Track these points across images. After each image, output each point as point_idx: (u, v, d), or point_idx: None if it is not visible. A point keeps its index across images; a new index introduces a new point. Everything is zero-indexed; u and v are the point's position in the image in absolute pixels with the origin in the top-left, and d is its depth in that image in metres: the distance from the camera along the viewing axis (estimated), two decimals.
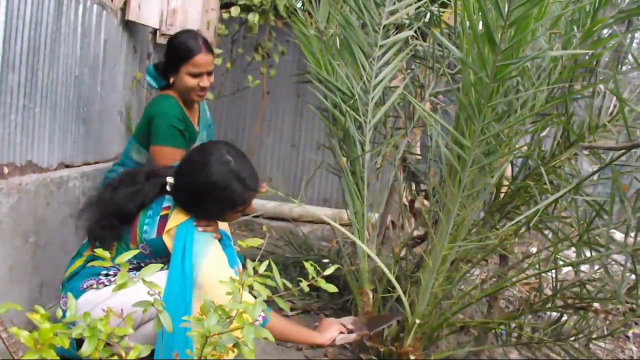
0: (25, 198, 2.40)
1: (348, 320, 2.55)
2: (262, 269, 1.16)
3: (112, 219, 2.19)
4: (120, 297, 1.78)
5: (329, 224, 4.16)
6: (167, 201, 2.23)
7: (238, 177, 2.19)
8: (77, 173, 2.91)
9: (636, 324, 3.93)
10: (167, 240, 2.17)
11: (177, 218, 2.19)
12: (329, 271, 1.36)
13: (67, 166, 2.89)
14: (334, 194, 5.69)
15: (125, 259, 1.19)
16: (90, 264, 1.76)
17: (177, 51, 2.85)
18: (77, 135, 2.97)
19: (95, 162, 3.24)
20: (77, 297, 2.16)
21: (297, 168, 5.64)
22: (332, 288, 1.32)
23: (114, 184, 2.32)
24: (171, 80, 2.87)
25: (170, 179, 2.26)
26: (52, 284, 2.63)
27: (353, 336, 2.49)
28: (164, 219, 2.19)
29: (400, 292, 2.53)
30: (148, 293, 1.18)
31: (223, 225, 2.41)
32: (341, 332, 2.44)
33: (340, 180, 2.96)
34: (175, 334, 1.76)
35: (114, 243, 2.21)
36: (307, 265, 1.30)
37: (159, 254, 2.21)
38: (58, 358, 0.91)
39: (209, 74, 2.87)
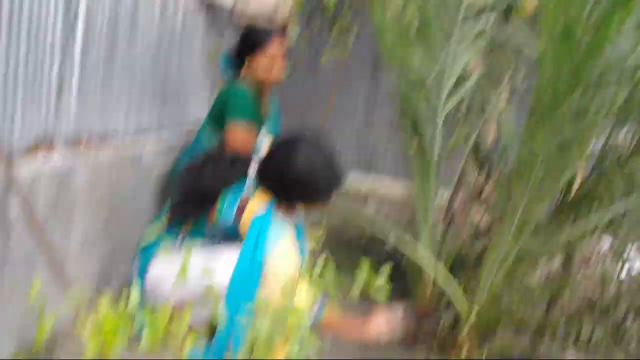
0: (101, 169, 2.49)
1: (400, 309, 2.53)
2: (318, 269, 1.18)
3: (194, 199, 2.26)
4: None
5: (396, 201, 4.15)
6: (249, 185, 2.29)
7: (326, 174, 2.22)
8: (151, 145, 3.00)
9: None
10: (243, 228, 2.22)
11: (257, 204, 2.23)
12: (380, 280, 1.37)
13: (142, 137, 2.97)
14: (404, 168, 5.61)
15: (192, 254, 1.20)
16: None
17: (251, 39, 2.92)
18: (153, 108, 3.05)
19: (170, 135, 3.32)
20: (145, 267, 2.27)
21: (367, 147, 5.62)
22: (382, 298, 1.33)
23: (197, 165, 2.39)
24: (245, 65, 2.94)
25: (254, 166, 2.31)
26: (124, 250, 2.72)
27: (402, 328, 2.47)
28: (243, 206, 2.24)
29: (450, 289, 2.51)
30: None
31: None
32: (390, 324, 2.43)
33: (410, 162, 2.94)
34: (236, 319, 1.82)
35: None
36: (364, 264, 1.30)
37: (232, 236, 2.26)
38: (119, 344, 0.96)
39: (282, 57, 2.92)
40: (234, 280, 2.07)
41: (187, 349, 2.06)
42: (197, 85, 3.78)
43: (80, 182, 2.34)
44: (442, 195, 3.12)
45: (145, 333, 1.01)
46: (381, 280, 1.38)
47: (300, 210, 2.33)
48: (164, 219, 2.39)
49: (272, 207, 2.21)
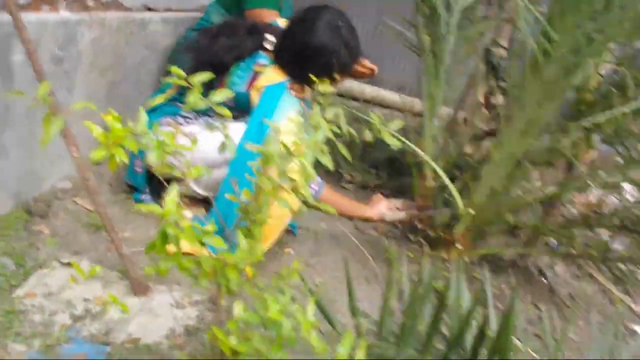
0: (106, 33, 2.45)
1: (398, 202, 2.58)
2: (329, 114, 1.16)
3: (207, 67, 2.21)
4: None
5: (400, 110, 4.11)
6: (263, 58, 2.24)
7: (347, 45, 2.20)
8: (158, 17, 2.93)
9: None
10: (254, 95, 2.19)
11: (270, 77, 2.20)
12: (394, 125, 1.35)
13: (149, 9, 2.91)
14: (409, 81, 5.55)
15: (217, 98, 1.19)
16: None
17: None
18: None
19: (177, 10, 3.25)
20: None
21: (376, 49, 5.51)
22: (395, 142, 1.31)
23: (212, 32, 2.33)
24: None
25: (270, 37, 2.26)
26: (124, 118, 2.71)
27: (402, 214, 2.52)
28: (256, 75, 2.21)
29: (448, 183, 2.52)
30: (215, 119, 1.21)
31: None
32: (390, 210, 2.48)
33: (417, 66, 2.88)
34: (241, 184, 1.82)
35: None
36: (373, 115, 1.29)
37: (241, 108, 2.23)
38: (126, 156, 0.95)
39: None
40: (240, 148, 2.07)
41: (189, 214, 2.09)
42: None
43: (85, 40, 2.29)
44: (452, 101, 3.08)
45: (152, 153, 1.00)
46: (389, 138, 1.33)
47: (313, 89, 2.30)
48: (173, 87, 2.36)
49: (285, 83, 2.18)
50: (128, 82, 2.75)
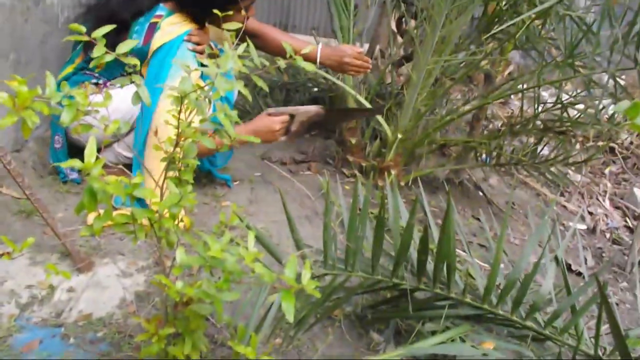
0: (1, 12, 2.34)
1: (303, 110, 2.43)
2: (240, 50, 1.15)
3: (107, 24, 2.12)
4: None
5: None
6: (161, 9, 2.17)
7: None
8: None
9: (613, 162, 4.02)
10: (151, 51, 2.13)
11: (168, 32, 2.12)
12: (305, 50, 1.34)
13: None
14: (322, 22, 5.53)
15: (124, 49, 1.15)
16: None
17: None
18: None
19: None
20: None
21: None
22: (310, 66, 1.30)
23: None
24: None
25: None
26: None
27: (309, 111, 2.40)
28: (153, 26, 2.14)
29: (369, 107, 2.54)
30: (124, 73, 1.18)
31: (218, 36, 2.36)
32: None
33: (328, 6, 2.87)
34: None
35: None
36: (284, 43, 1.27)
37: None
38: (37, 117, 0.92)
39: None
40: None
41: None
42: None
43: None
44: (365, 34, 3.08)
45: (65, 113, 0.97)
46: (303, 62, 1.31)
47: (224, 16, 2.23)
48: (81, 54, 2.29)
49: (182, 37, 2.12)
50: (34, 61, 2.64)
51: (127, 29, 2.15)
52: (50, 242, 1.95)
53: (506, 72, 3.64)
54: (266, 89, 1.17)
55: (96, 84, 2.26)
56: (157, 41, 2.11)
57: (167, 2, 2.19)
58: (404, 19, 3.28)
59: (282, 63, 1.17)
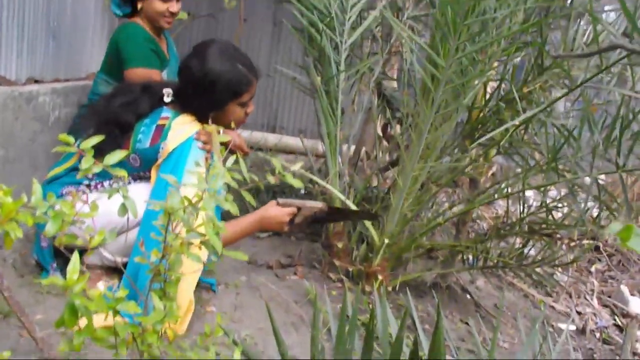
0: None
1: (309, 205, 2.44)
2: (229, 162, 1.15)
3: (110, 127, 2.13)
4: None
5: (304, 154, 4.15)
6: (166, 111, 2.20)
7: (240, 61, 2.20)
8: (47, 89, 2.86)
9: (599, 260, 4.04)
10: (164, 152, 2.14)
11: (180, 133, 2.14)
12: (295, 167, 1.36)
13: (36, 81, 2.83)
14: (309, 124, 5.65)
15: (112, 160, 1.15)
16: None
17: None
18: (47, 51, 2.91)
19: (66, 80, 3.18)
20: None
21: (273, 97, 5.58)
22: (298, 183, 1.31)
23: (107, 95, 2.29)
24: (139, 6, 2.82)
25: (168, 90, 2.24)
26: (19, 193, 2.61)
27: (315, 207, 2.41)
28: (160, 128, 2.16)
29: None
30: (113, 187, 1.17)
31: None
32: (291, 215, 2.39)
33: (315, 106, 2.94)
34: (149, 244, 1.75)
35: None
36: (273, 160, 1.29)
37: (150, 166, 2.18)
38: (21, 231, 0.90)
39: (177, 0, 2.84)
40: (148, 208, 2.01)
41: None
42: (93, 35, 3.61)
43: None
44: (351, 138, 3.14)
45: (50, 224, 0.96)
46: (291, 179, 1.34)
47: (227, 115, 2.25)
48: (75, 155, 2.28)
49: (192, 138, 2.14)
50: (22, 158, 2.65)
51: (130, 130, 2.17)
52: (27, 345, 1.89)
53: (489, 173, 3.70)
54: (254, 203, 1.17)
55: (87, 186, 2.25)
56: (171, 143, 2.12)
57: (169, 105, 2.23)
58: (389, 125, 3.35)
59: (271, 179, 1.17)
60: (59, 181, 2.24)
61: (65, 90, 3.06)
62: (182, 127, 2.15)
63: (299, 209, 2.38)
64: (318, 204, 2.43)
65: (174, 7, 2.84)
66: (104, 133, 2.09)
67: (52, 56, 2.97)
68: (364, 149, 3.66)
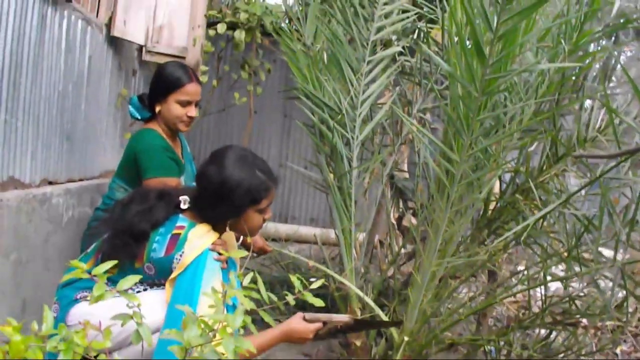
0: (6, 214, 2.36)
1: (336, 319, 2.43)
2: (246, 281, 1.12)
3: (125, 237, 2.09)
4: (110, 311, 1.71)
5: (316, 243, 4.13)
6: (182, 220, 2.15)
7: (258, 167, 2.17)
8: (60, 190, 2.87)
9: (624, 341, 3.92)
10: (183, 264, 2.10)
11: (197, 246, 2.10)
12: (315, 285, 1.33)
13: (50, 183, 2.84)
14: (321, 213, 5.65)
15: (125, 285, 1.13)
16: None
17: (167, 79, 2.83)
18: (60, 152, 2.93)
19: (80, 180, 3.20)
20: (68, 306, 2.11)
21: (284, 188, 5.60)
22: (318, 302, 1.29)
23: (123, 202, 2.25)
24: (157, 109, 2.85)
25: (185, 197, 2.21)
26: (34, 301, 2.58)
27: (341, 321, 2.38)
28: (175, 238, 2.11)
29: (380, 313, 2.49)
30: (128, 306, 1.13)
31: (232, 245, 2.36)
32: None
33: (327, 199, 2.93)
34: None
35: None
36: (293, 278, 1.26)
37: (165, 275, 2.14)
38: None
39: (196, 104, 2.87)
40: (171, 316, 1.96)
41: None
42: (106, 133, 3.67)
43: None
44: (363, 230, 3.11)
45: (61, 356, 0.92)
46: (312, 299, 1.32)
47: (247, 223, 2.22)
48: (91, 259, 2.26)
49: (207, 250, 2.10)
50: (35, 261, 2.63)
51: (145, 239, 2.13)
52: None
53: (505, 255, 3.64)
54: (274, 324, 1.13)
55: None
56: (188, 256, 2.06)
57: (185, 212, 2.20)
58: (404, 215, 3.33)
59: (291, 299, 1.14)
60: (73, 285, 2.19)
61: (79, 190, 3.07)
62: (198, 241, 2.10)
63: (324, 323, 2.33)
64: (344, 318, 2.37)
65: (192, 112, 2.86)
66: (119, 243, 2.10)
67: (65, 157, 3.00)
68: (377, 237, 3.62)
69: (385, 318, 2.61)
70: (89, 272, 1.07)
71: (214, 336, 1.05)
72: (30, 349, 0.87)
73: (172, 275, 2.06)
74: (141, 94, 3.02)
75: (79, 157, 3.19)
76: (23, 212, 2.51)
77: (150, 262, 2.12)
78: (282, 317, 3.19)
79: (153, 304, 2.03)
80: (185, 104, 2.84)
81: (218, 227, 2.20)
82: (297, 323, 2.25)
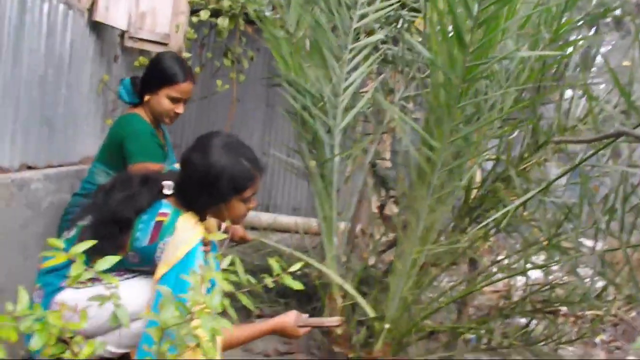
0: None
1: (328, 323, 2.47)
2: (224, 263, 1.12)
3: (109, 226, 2.06)
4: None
5: (298, 232, 4.13)
6: (165, 207, 2.11)
7: (244, 156, 2.14)
8: (40, 175, 2.83)
9: (604, 330, 3.97)
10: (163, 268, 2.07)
11: (186, 240, 2.03)
12: (294, 267, 1.33)
13: (29, 167, 2.81)
14: (303, 202, 5.66)
15: (104, 266, 1.12)
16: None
17: (163, 72, 2.81)
18: (40, 137, 2.89)
19: (59, 165, 3.16)
20: (52, 293, 2.10)
21: (266, 176, 5.59)
22: (297, 285, 1.29)
23: (105, 188, 2.21)
24: (146, 98, 2.83)
25: (168, 182, 2.18)
26: (11, 289, 2.54)
27: (332, 324, 2.43)
28: (159, 225, 2.07)
29: (361, 301, 2.50)
30: (106, 287, 1.13)
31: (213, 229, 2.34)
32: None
33: (309, 187, 2.92)
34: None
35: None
36: (271, 261, 1.26)
37: (149, 263, 2.11)
38: (4, 354, 0.85)
39: (185, 101, 2.85)
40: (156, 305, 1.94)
41: None
42: (87, 119, 3.63)
43: None
44: (345, 218, 3.11)
45: (36, 337, 0.91)
46: (290, 281, 1.32)
47: (232, 211, 2.19)
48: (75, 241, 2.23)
49: (199, 244, 2.07)
50: (12, 247, 2.60)
51: (129, 227, 2.09)
52: None
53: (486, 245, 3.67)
54: (252, 308, 1.13)
55: (89, 279, 2.18)
56: (179, 250, 1.99)
57: (168, 198, 2.17)
58: (385, 204, 3.33)
59: (269, 281, 1.14)
60: (58, 273, 2.16)
61: (59, 176, 3.04)
62: (187, 233, 2.06)
63: (315, 327, 2.36)
64: (334, 322, 2.40)
65: (181, 109, 2.86)
66: (104, 232, 2.06)
67: (45, 142, 2.96)
68: (359, 226, 3.63)
69: (367, 307, 2.61)
70: (67, 251, 1.06)
71: (192, 318, 1.05)
72: (3, 329, 0.86)
73: (161, 270, 2.00)
74: (134, 76, 2.99)
75: (59, 143, 3.15)
76: (1, 197, 2.48)
77: (133, 251, 2.09)
78: (264, 305, 3.21)
79: (138, 291, 2.02)
80: (175, 100, 2.82)
81: (201, 214, 2.17)
82: (289, 323, 2.27)
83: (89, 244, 1.08)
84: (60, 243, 1.06)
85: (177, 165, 2.31)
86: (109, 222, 2.07)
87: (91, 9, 3.41)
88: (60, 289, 2.11)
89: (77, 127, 3.43)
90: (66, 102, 3.19)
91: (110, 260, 1.07)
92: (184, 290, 1.94)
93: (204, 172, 2.10)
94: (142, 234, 2.07)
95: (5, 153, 2.56)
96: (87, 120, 3.60)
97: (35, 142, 2.85)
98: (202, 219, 2.19)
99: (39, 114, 2.86)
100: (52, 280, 2.14)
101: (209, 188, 2.11)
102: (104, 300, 1.04)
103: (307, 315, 2.32)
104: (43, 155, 2.95)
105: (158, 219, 2.10)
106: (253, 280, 1.18)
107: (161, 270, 2.00)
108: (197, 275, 1.10)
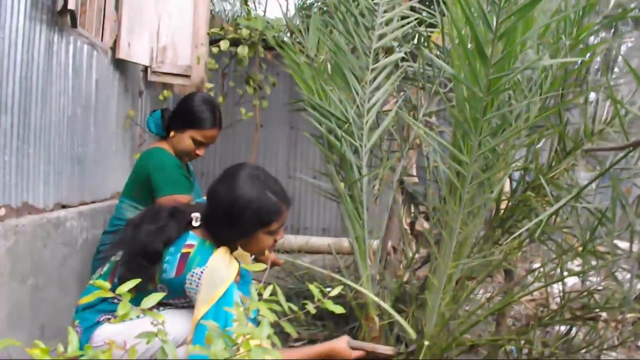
0: (22, 239, 2.38)
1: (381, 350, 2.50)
2: (266, 293, 1.13)
3: (139, 259, 2.07)
4: (135, 330, 1.70)
5: (329, 253, 4.14)
6: (191, 238, 2.13)
7: (270, 189, 2.14)
8: (74, 213, 2.89)
9: None
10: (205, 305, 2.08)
11: (221, 279, 2.02)
12: (334, 292, 1.34)
13: (63, 206, 2.87)
14: (332, 222, 5.67)
15: (149, 303, 1.15)
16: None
17: (192, 114, 2.88)
18: (72, 175, 2.96)
19: (92, 202, 3.22)
20: (89, 328, 2.12)
21: (294, 199, 5.61)
22: (339, 309, 1.30)
23: (134, 222, 2.23)
24: (171, 134, 2.88)
25: (196, 214, 2.20)
26: (52, 325, 2.60)
27: (385, 352, 2.46)
28: (185, 257, 2.08)
29: (399, 319, 2.49)
30: (153, 324, 1.15)
31: (245, 260, 2.36)
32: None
33: (338, 207, 2.93)
34: None
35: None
36: (311, 287, 1.27)
37: (178, 295, 2.13)
38: None
39: (207, 146, 2.92)
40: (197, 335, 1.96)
41: None
42: (116, 154, 3.69)
43: (1, 252, 2.22)
44: (376, 236, 3.11)
45: None
46: (332, 306, 1.34)
47: (258, 243, 2.20)
48: (107, 281, 2.26)
49: (232, 285, 2.08)
50: (52, 284, 2.65)
51: (159, 259, 2.11)
52: None
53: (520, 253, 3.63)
54: (295, 334, 1.14)
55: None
56: (219, 290, 2.00)
57: (195, 229, 2.18)
58: (416, 220, 3.33)
59: (311, 308, 1.15)
60: (95, 308, 2.19)
61: (92, 213, 3.10)
62: (223, 272, 2.06)
63: (368, 352, 2.36)
64: (388, 350, 2.41)
65: (202, 152, 2.93)
66: (135, 266, 2.08)
67: (77, 180, 3.02)
68: (390, 243, 3.62)
69: (406, 325, 2.61)
70: (113, 291, 1.08)
71: (238, 349, 1.06)
72: None
73: (202, 309, 2.00)
74: (165, 108, 3.04)
75: (90, 180, 3.21)
76: (38, 237, 2.54)
77: (162, 283, 2.11)
78: (302, 328, 3.21)
79: (173, 321, 2.03)
80: (199, 143, 2.87)
81: (230, 245, 2.18)
82: (342, 346, 2.31)
83: (133, 282, 1.10)
84: (105, 283, 1.09)
85: (204, 197, 2.34)
86: (139, 255, 2.08)
87: (114, 47, 3.49)
88: (97, 324, 2.14)
89: (107, 163, 3.49)
90: (95, 139, 3.26)
91: (155, 298, 1.09)
92: (228, 325, 1.96)
93: (229, 205, 2.11)
94: (169, 266, 2.08)
95: (40, 194, 2.62)
96: (116, 156, 3.67)
97: (68, 181, 2.91)
98: (233, 248, 2.20)
99: (70, 153, 2.92)
100: (88, 316, 2.17)
101: (234, 221, 2.11)
102: (151, 336, 1.06)
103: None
104: (76, 193, 3.01)
105: (184, 250, 2.10)
106: (295, 308, 1.19)
107: (202, 309, 2.00)
108: (241, 307, 1.12)
